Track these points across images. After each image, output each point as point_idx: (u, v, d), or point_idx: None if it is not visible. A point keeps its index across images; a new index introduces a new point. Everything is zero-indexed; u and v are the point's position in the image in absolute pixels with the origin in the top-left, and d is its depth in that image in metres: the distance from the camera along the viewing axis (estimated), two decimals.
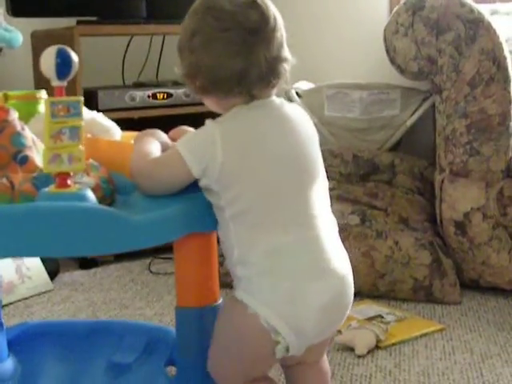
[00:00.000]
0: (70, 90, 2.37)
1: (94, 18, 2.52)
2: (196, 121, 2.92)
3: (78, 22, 2.44)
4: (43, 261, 2.20)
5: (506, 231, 2.03)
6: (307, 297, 1.09)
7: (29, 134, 1.15)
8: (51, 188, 1.03)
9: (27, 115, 1.38)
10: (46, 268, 2.19)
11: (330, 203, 1.19)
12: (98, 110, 2.32)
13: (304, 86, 2.45)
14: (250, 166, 1.11)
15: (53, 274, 2.23)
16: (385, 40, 2.12)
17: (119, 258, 2.43)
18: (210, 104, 1.18)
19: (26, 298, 2.09)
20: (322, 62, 2.65)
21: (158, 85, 2.55)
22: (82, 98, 1.04)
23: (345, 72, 2.60)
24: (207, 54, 1.11)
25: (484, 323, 1.88)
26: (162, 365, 1.36)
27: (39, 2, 2.43)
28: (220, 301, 1.26)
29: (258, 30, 1.10)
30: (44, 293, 2.14)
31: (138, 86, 2.55)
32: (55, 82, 1.02)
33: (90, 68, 2.45)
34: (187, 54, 1.13)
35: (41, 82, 2.56)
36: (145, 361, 1.36)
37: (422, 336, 1.79)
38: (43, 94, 1.61)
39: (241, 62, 1.10)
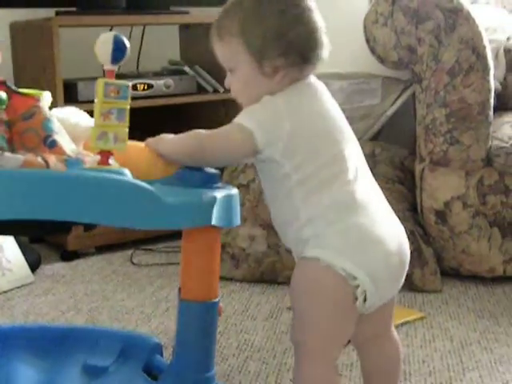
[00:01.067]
0: (50, 81, 2.37)
1: (73, 9, 2.50)
2: (176, 112, 2.90)
3: (57, 13, 2.42)
4: (24, 253, 2.19)
5: (486, 220, 2.05)
6: (376, 243, 1.14)
7: (56, 122, 1.19)
8: (93, 165, 1.10)
9: None
10: (26, 260, 2.17)
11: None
12: (78, 102, 2.32)
13: None
14: (313, 133, 1.17)
15: (34, 266, 2.22)
16: (365, 29, 2.13)
17: (101, 249, 2.42)
18: (255, 86, 1.20)
19: (7, 292, 2.08)
20: None
21: (138, 76, 2.53)
22: (130, 83, 1.11)
23: (325, 61, 2.60)
24: (299, 26, 1.18)
25: (464, 311, 1.90)
26: (140, 369, 1.36)
27: None
28: (218, 297, 1.26)
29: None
30: (25, 285, 2.13)
31: (118, 77, 2.52)
32: (108, 66, 1.09)
33: (70, 59, 2.44)
34: (281, 33, 1.17)
35: (20, 73, 2.54)
36: (122, 364, 1.36)
37: (402, 324, 1.80)
38: (47, 95, 1.54)
39: (318, 29, 1.21)
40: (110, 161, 1.11)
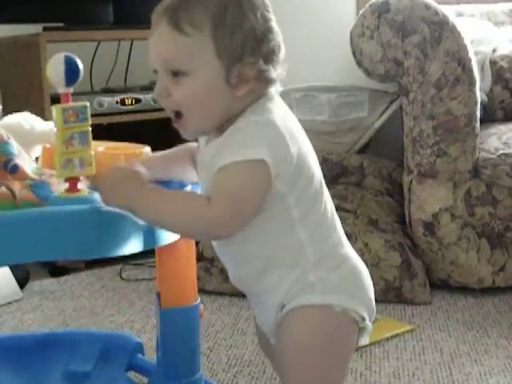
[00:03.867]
0: (38, 96, 2.37)
1: (60, 24, 2.50)
2: (165, 125, 2.90)
3: (45, 29, 2.42)
4: (12, 269, 2.17)
5: (474, 231, 2.05)
6: (366, 278, 1.07)
7: (15, 143, 1.16)
8: (61, 193, 1.06)
9: None
10: (15, 276, 2.16)
11: None
12: None
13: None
14: (305, 154, 1.01)
15: (22, 282, 2.21)
16: (351, 43, 2.14)
17: (90, 265, 2.41)
18: (225, 100, 0.99)
19: None
20: (289, 65, 2.65)
21: (126, 90, 2.53)
22: (88, 103, 1.06)
23: (312, 74, 2.61)
24: (277, 36, 1.00)
25: (454, 323, 1.90)
26: (123, 370, 1.37)
27: (2, 8, 2.41)
28: (198, 300, 1.29)
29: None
30: (13, 302, 2.11)
31: (107, 91, 2.53)
32: (63, 89, 1.04)
33: None
34: (262, 38, 0.98)
35: (7, 88, 2.53)
36: (103, 368, 1.37)
37: (392, 337, 1.80)
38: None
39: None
40: (79, 186, 1.06)
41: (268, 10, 1.00)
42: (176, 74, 0.97)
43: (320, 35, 2.71)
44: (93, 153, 1.06)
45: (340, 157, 2.30)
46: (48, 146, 1.37)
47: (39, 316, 2.01)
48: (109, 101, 2.44)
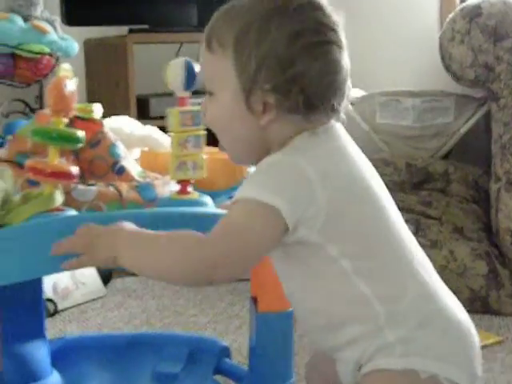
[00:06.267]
0: (124, 98, 2.40)
1: (145, 26, 2.54)
2: None
3: (131, 31, 2.46)
4: (96, 267, 2.21)
5: None
6: (467, 335, 0.92)
7: (122, 146, 1.18)
8: (173, 194, 1.08)
9: None
10: (99, 274, 2.20)
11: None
12: (150, 118, 2.35)
13: (356, 93, 2.44)
14: (353, 193, 0.90)
15: (106, 279, 2.25)
16: (440, 47, 2.10)
17: None
18: (270, 132, 0.91)
19: (81, 304, 2.10)
20: (373, 69, 2.63)
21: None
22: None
23: (395, 79, 2.58)
24: (314, 61, 0.88)
25: None
26: (211, 373, 1.37)
27: (93, 10, 2.46)
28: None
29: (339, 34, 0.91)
30: (97, 299, 2.15)
31: (194, 93, 2.55)
32: (181, 93, 1.06)
33: (141, 75, 2.47)
34: (286, 62, 0.88)
35: (92, 90, 2.58)
36: (191, 370, 1.37)
37: (482, 348, 1.76)
38: (97, 107, 1.56)
39: (341, 72, 0.90)
40: (189, 189, 1.08)
41: (315, 29, 0.88)
42: (210, 93, 0.94)
43: (403, 39, 2.67)
44: (205, 156, 1.07)
45: (425, 162, 2.26)
46: (146, 149, 1.39)
47: (123, 314, 2.04)
48: (191, 102, 2.45)
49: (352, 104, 2.37)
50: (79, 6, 2.40)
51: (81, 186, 1.06)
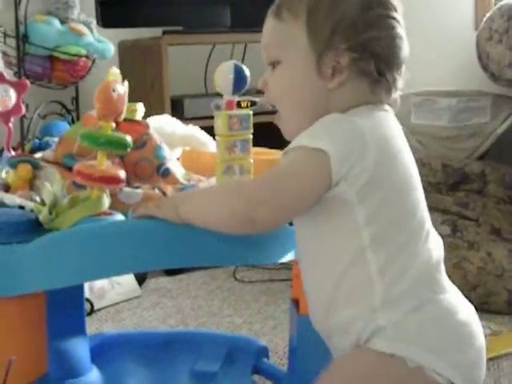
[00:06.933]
0: (158, 99, 2.42)
1: (179, 28, 2.55)
2: (279, 129, 2.90)
3: (164, 32, 2.47)
4: None
5: None
6: (471, 334, 0.89)
7: (167, 148, 1.18)
8: None
9: None
10: (133, 274, 2.22)
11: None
12: (184, 118, 2.36)
13: None
14: (397, 171, 0.92)
15: (141, 280, 2.26)
16: (477, 46, 2.09)
17: None
18: (335, 100, 0.93)
19: (117, 304, 2.12)
20: (408, 69, 2.62)
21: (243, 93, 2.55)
22: (251, 112, 1.07)
23: (430, 79, 2.56)
24: (385, 30, 0.94)
25: None
26: (249, 373, 1.36)
27: (127, 12, 2.48)
28: None
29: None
30: (133, 299, 2.17)
31: (221, 94, 2.56)
32: (229, 96, 1.06)
33: (175, 76, 2.49)
34: (360, 26, 0.93)
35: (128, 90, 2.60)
36: (230, 369, 1.36)
37: None
38: (140, 106, 1.60)
39: (404, 49, 0.97)
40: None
41: (385, 6, 0.95)
42: (274, 64, 0.96)
43: (437, 38, 2.65)
44: (252, 161, 1.07)
45: (461, 163, 2.24)
46: (188, 149, 1.39)
47: (158, 313, 2.05)
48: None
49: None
50: (114, 8, 2.42)
51: (127, 189, 1.06)
